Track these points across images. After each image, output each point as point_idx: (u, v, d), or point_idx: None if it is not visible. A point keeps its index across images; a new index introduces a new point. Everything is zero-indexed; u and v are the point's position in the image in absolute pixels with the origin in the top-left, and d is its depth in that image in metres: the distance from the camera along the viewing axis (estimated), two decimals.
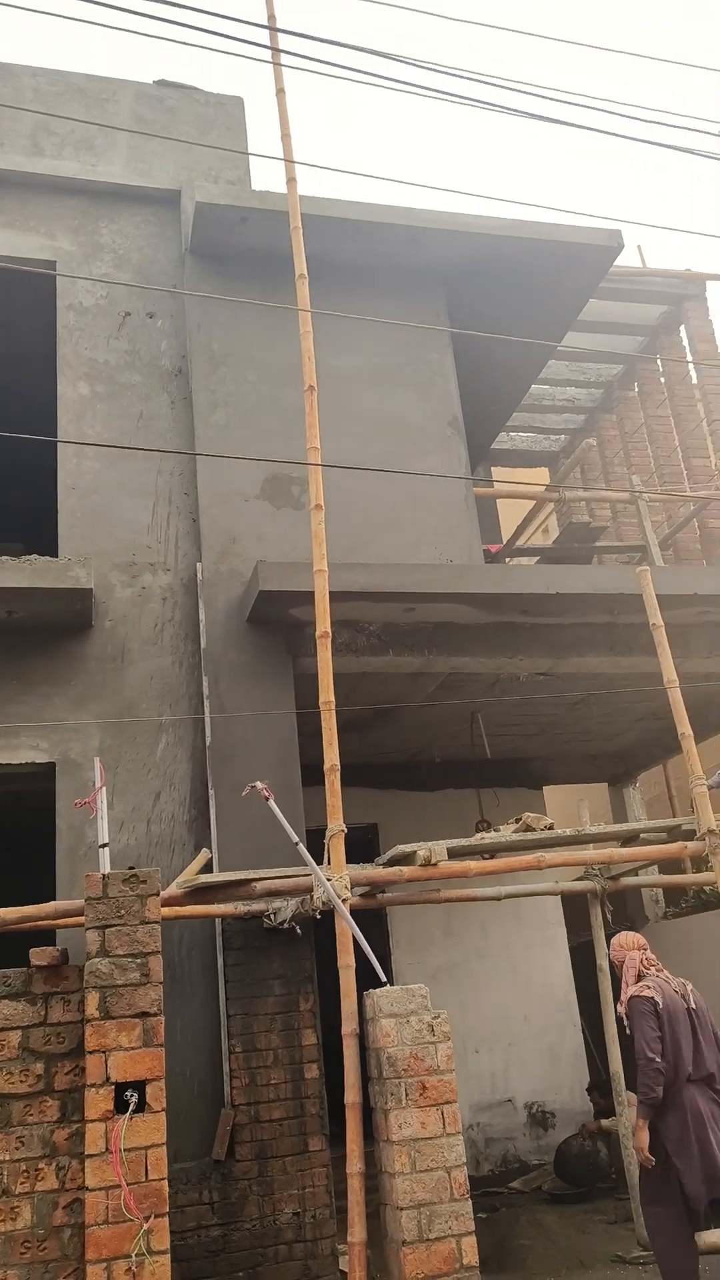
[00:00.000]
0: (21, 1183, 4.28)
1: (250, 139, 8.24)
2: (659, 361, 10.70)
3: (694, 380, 10.18)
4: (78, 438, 6.88)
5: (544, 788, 10.96)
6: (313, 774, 6.46)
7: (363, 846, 9.50)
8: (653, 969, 5.02)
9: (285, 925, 5.67)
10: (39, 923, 5.01)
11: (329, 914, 5.36)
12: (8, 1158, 4.29)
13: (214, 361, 7.28)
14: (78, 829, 6.02)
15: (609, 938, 6.85)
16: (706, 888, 9.83)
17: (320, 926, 5.96)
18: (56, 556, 6.47)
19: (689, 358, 10.08)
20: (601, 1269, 5.89)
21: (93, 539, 6.70)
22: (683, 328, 10.25)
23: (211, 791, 6.17)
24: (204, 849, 5.99)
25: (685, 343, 10.26)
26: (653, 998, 4.84)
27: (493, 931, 10.07)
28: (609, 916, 6.76)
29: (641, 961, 5.05)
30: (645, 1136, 4.68)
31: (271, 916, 5.70)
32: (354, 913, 5.06)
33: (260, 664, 6.50)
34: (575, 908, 10.49)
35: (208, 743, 6.26)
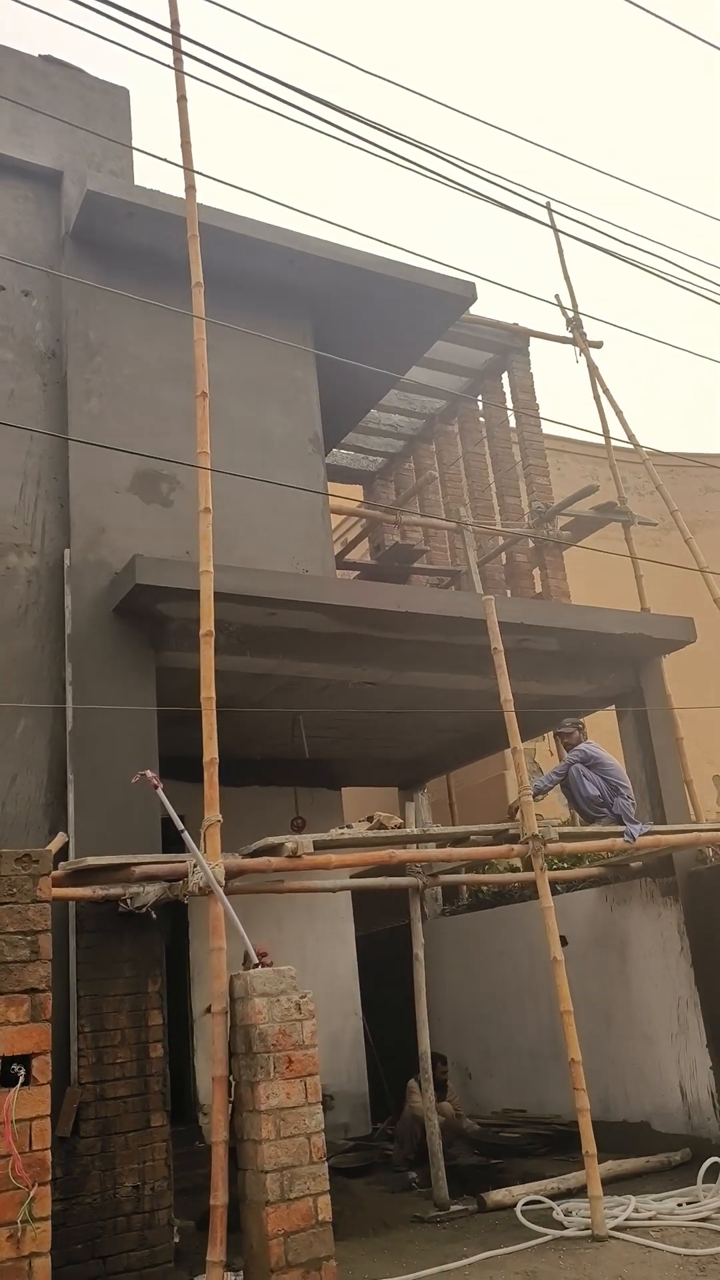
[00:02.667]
0: None
1: (134, 134, 8.28)
2: (479, 403, 11.59)
3: (512, 425, 11.12)
4: None
5: (342, 789, 11.54)
6: (161, 765, 6.67)
7: (173, 837, 9.69)
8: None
9: (143, 910, 5.85)
10: None
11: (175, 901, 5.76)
12: None
13: (90, 350, 7.32)
14: None
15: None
16: (484, 888, 10.77)
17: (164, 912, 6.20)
18: None
19: (509, 404, 11.00)
20: (403, 1228, 6.47)
21: None
22: (505, 376, 11.18)
23: (71, 776, 6.24)
24: (60, 833, 6.07)
25: (507, 390, 11.19)
26: None
27: (287, 925, 10.49)
28: (425, 910, 7.38)
29: None
30: None
31: (128, 901, 5.86)
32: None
33: (123, 654, 6.63)
34: (361, 903, 11.16)
35: (69, 728, 6.34)
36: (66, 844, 6.05)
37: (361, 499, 13.33)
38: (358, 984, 10.59)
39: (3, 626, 6.46)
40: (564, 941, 9.32)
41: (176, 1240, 5.75)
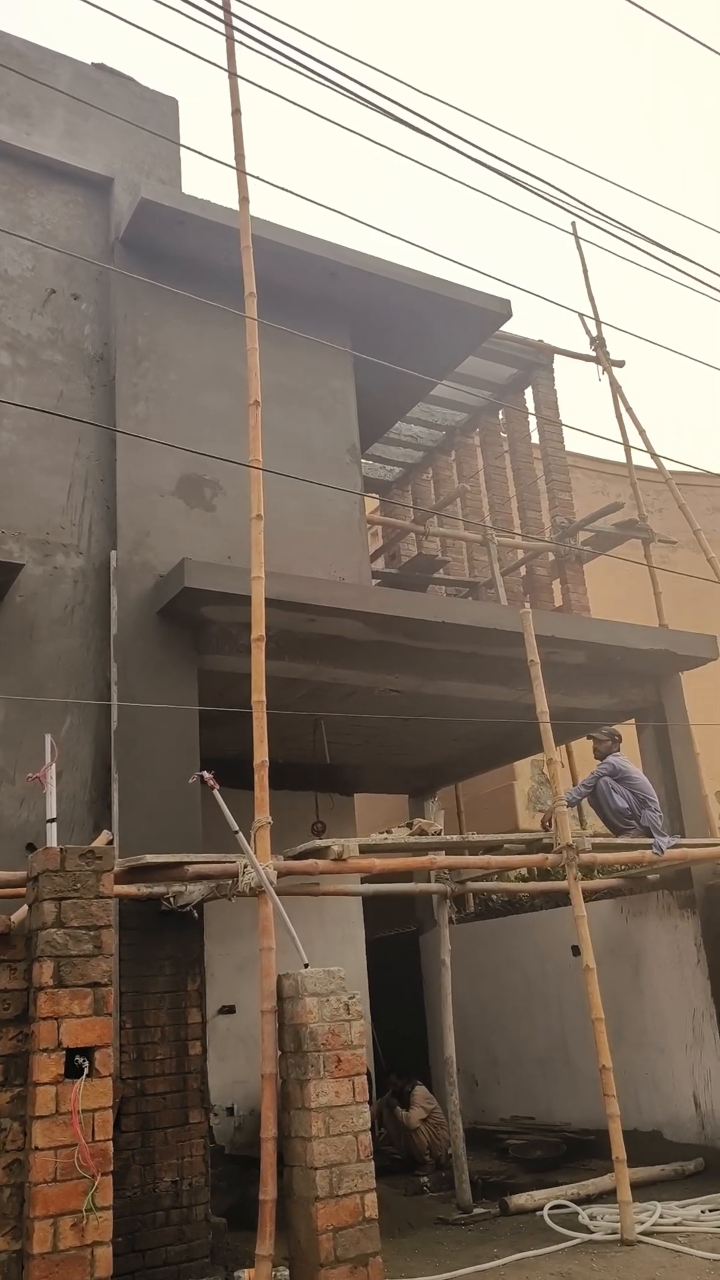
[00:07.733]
0: None
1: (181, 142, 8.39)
2: (500, 416, 11.74)
3: (534, 440, 11.28)
4: None
5: (354, 795, 11.64)
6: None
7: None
8: None
9: (185, 909, 5.94)
10: None
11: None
12: None
13: (138, 355, 7.42)
14: None
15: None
16: (494, 897, 10.89)
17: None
18: None
19: (533, 420, 11.16)
20: (429, 1229, 6.58)
21: (6, 511, 6.66)
22: (529, 391, 11.33)
23: (115, 775, 6.32)
24: (104, 830, 6.15)
25: (531, 405, 11.34)
26: None
27: (297, 927, 10.53)
28: (453, 916, 7.48)
29: None
30: None
31: (171, 900, 5.94)
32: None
33: (167, 656, 6.72)
34: (371, 908, 11.24)
35: (113, 727, 6.41)
36: (111, 841, 6.13)
37: (377, 508, 13.44)
38: (367, 989, 10.66)
39: (50, 625, 6.54)
40: (574, 952, 9.48)
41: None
